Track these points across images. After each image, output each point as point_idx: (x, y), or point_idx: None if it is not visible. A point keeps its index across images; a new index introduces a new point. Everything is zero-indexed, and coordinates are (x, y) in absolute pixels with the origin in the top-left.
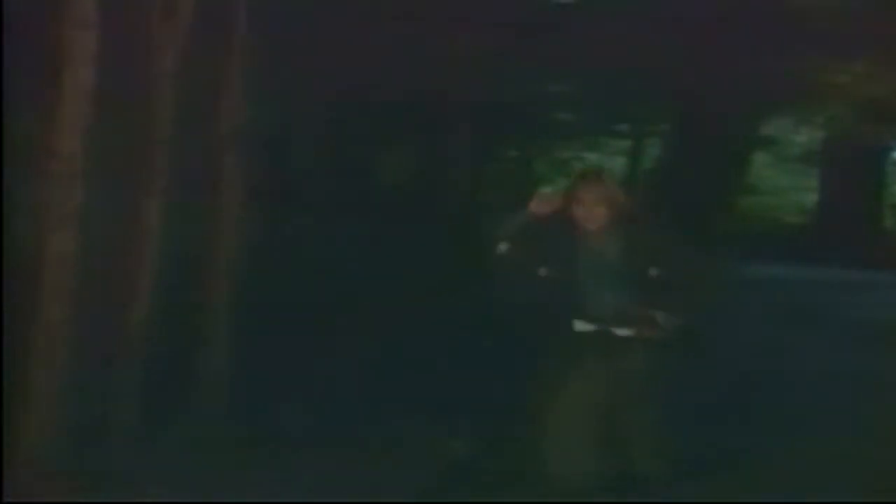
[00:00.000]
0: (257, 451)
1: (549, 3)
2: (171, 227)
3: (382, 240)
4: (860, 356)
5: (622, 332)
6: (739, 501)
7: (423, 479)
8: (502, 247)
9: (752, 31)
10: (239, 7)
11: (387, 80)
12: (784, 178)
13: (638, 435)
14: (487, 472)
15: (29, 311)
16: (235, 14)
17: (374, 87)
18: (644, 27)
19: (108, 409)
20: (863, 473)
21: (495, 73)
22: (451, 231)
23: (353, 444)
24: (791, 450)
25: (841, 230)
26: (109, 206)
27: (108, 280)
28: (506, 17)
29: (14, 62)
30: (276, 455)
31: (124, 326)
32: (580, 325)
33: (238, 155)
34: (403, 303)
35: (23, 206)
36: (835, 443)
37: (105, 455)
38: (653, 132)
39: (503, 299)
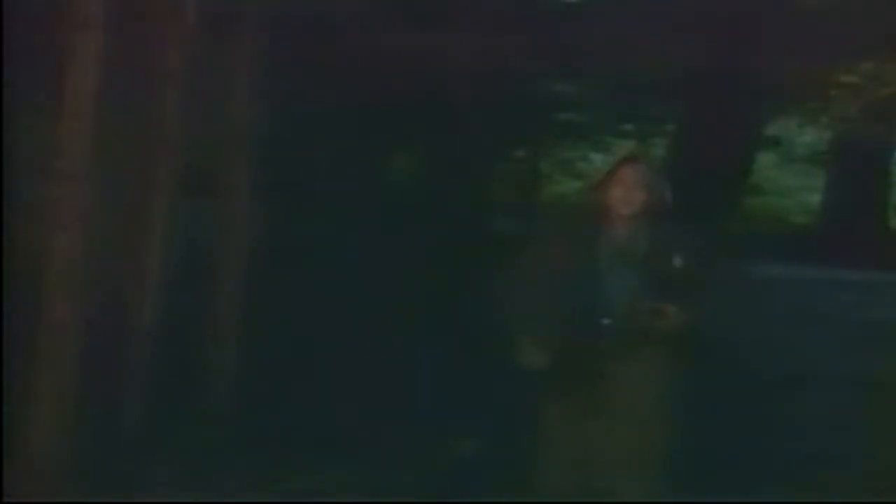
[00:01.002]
0: (261, 452)
1: (556, 2)
2: (177, 228)
3: (389, 240)
4: (863, 357)
5: (636, 326)
6: (742, 501)
7: (427, 481)
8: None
9: (759, 31)
10: (245, 6)
11: (393, 81)
12: (790, 179)
13: (643, 440)
14: (493, 476)
15: (32, 310)
16: (241, 13)
17: (381, 87)
18: (650, 27)
19: (111, 409)
20: (864, 474)
21: (501, 73)
22: (458, 231)
23: (356, 444)
24: (795, 453)
25: (847, 230)
26: (114, 206)
27: (113, 280)
28: (511, 16)
29: (19, 62)
30: (280, 456)
31: (128, 326)
32: (598, 321)
33: (244, 154)
34: (412, 302)
35: (27, 206)
36: (838, 444)
37: (107, 456)
38: (659, 132)
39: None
